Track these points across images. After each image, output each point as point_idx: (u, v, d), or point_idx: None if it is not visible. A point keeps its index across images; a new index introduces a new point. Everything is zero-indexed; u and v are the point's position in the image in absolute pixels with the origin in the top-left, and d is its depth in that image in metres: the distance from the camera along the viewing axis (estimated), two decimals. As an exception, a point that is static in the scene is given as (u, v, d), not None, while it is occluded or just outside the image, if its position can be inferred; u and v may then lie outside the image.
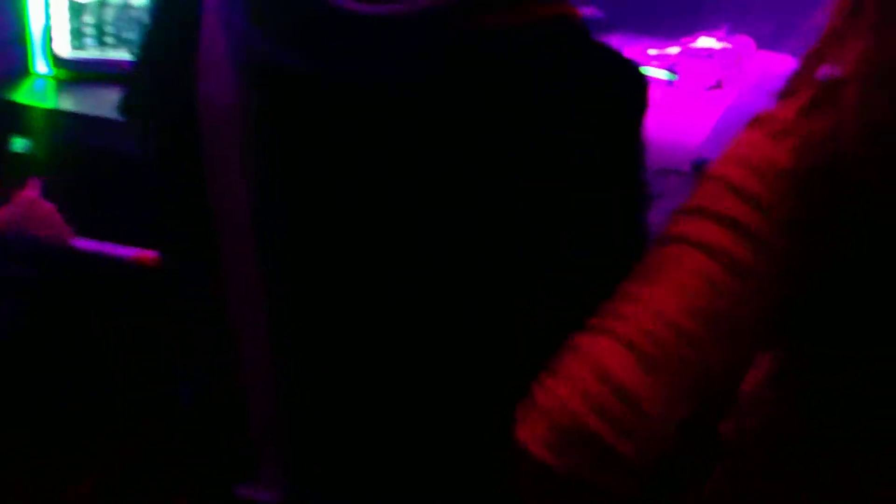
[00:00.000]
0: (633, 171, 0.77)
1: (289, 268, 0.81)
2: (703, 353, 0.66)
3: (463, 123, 0.72)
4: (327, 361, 0.83)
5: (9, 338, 1.19)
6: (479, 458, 0.80)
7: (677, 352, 0.65)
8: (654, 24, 1.80)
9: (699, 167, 1.34)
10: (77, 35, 1.64)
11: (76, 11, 1.63)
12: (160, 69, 0.85)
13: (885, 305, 0.69)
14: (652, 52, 1.71)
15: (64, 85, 1.62)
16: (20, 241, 1.22)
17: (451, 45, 0.72)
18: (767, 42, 1.72)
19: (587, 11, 1.86)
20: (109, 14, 1.63)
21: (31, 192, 1.24)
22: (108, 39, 1.64)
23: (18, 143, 1.52)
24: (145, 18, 0.93)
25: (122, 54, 1.63)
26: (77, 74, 1.64)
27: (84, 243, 1.25)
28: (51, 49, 1.63)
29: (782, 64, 1.61)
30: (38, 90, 1.62)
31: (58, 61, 1.64)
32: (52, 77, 1.65)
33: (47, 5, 1.61)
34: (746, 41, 1.74)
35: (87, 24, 1.63)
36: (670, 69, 1.68)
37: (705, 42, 1.72)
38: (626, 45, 1.76)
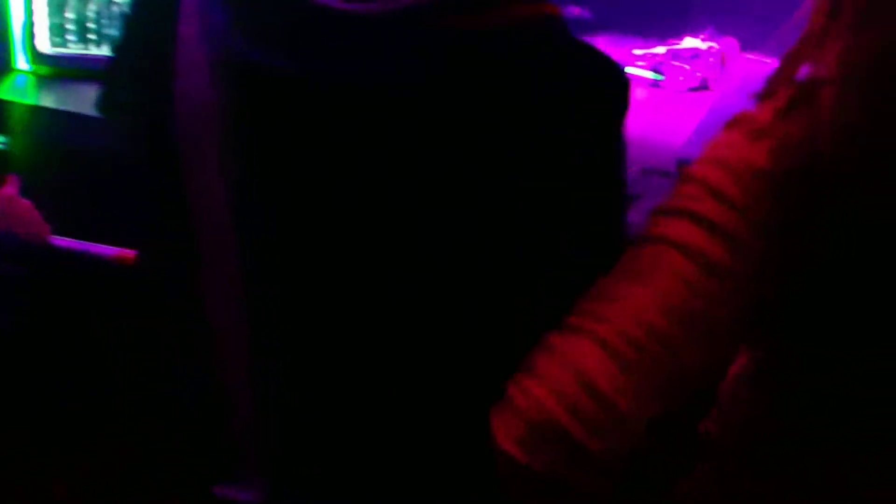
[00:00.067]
0: (613, 170, 0.77)
1: (278, 268, 0.80)
2: (678, 353, 0.66)
3: (462, 123, 0.72)
4: (318, 361, 0.82)
5: (7, 338, 1.19)
6: (473, 458, 0.80)
7: (651, 352, 0.66)
8: (641, 24, 1.80)
9: (684, 167, 1.34)
10: (58, 31, 1.62)
11: (58, 7, 1.62)
12: (137, 66, 0.84)
13: (866, 304, 0.69)
14: (638, 52, 1.71)
15: (45, 81, 1.61)
16: (7, 239, 1.21)
17: (447, 44, 0.72)
18: (753, 44, 1.73)
19: (574, 12, 1.86)
20: (91, 10, 1.62)
21: (8, 189, 1.23)
22: (90, 36, 1.63)
23: (-2, 140, 1.51)
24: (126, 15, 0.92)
25: (104, 51, 1.61)
26: (58, 71, 1.63)
27: (62, 242, 1.24)
28: (32, 45, 1.62)
29: (767, 66, 1.62)
30: (19, 86, 1.61)
31: (39, 57, 1.63)
32: (32, 73, 1.63)
33: (28, 1, 1.60)
34: (732, 43, 1.75)
35: (69, 21, 1.62)
36: (656, 69, 1.68)
37: (691, 43, 1.73)
38: (612, 46, 1.76)
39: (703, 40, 1.73)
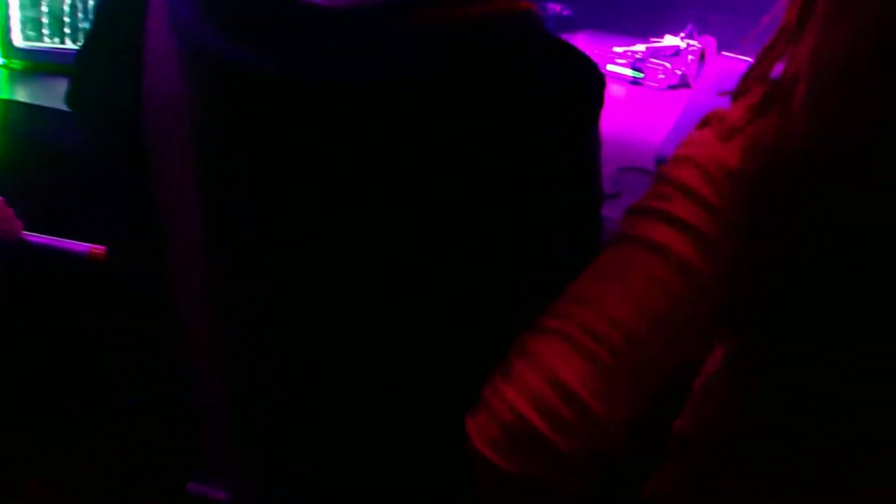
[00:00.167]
0: (589, 166, 0.77)
1: (266, 266, 0.79)
2: (650, 353, 0.66)
3: (457, 118, 0.71)
4: (308, 359, 0.82)
5: (7, 337, 1.18)
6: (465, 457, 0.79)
7: (623, 352, 0.65)
8: (621, 22, 1.80)
9: (662, 165, 1.34)
10: (33, 25, 1.60)
11: (32, 1, 1.60)
12: (106, 60, 0.83)
13: (842, 301, 0.69)
14: (618, 49, 1.71)
15: (18, 75, 1.59)
16: None
17: (437, 39, 0.71)
18: (732, 43, 1.73)
19: (556, 9, 1.85)
20: (66, 4, 1.60)
21: (-20, 185, 1.21)
22: (65, 30, 1.61)
23: (-30, 135, 1.49)
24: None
25: (79, 45, 1.59)
26: (33, 65, 1.60)
27: (34, 238, 1.23)
28: (6, 38, 1.60)
29: (745, 64, 1.62)
30: (-8, 80, 1.59)
31: (13, 51, 1.61)
32: (5, 67, 1.61)
33: (3, -6, 1.58)
34: (711, 41, 1.75)
35: (44, 14, 1.60)
36: (636, 67, 1.68)
37: (671, 41, 1.73)
38: (593, 43, 1.76)
39: (683, 38, 1.73)
